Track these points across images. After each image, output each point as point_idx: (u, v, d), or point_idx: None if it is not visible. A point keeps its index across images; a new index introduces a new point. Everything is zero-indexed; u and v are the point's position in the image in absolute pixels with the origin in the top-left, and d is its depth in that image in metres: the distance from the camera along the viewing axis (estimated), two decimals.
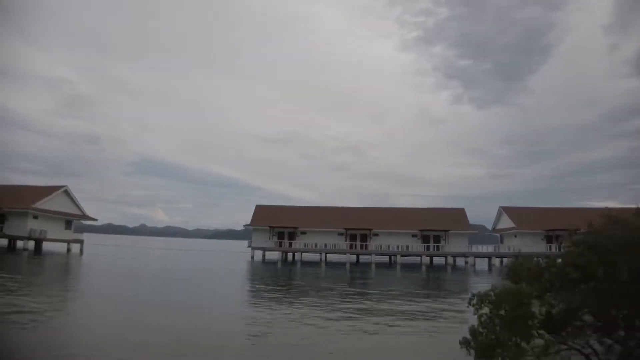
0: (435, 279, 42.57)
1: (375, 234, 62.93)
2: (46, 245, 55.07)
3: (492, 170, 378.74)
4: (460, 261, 58.72)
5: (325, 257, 59.29)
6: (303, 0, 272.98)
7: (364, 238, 62.92)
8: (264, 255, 60.97)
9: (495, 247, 60.97)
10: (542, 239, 58.82)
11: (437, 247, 59.13)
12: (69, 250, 56.21)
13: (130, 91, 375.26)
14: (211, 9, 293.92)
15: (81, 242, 59.56)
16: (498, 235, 66.32)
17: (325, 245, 60.13)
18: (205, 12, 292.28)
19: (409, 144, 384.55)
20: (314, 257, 60.27)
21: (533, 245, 56.00)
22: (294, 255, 61.94)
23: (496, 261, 55.72)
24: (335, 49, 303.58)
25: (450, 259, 57.69)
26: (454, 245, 58.98)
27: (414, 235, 61.57)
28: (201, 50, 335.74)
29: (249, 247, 63.63)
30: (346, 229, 61.33)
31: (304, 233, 64.37)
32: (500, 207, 64.34)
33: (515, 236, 60.03)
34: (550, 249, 55.07)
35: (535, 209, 65.10)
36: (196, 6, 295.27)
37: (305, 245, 61.74)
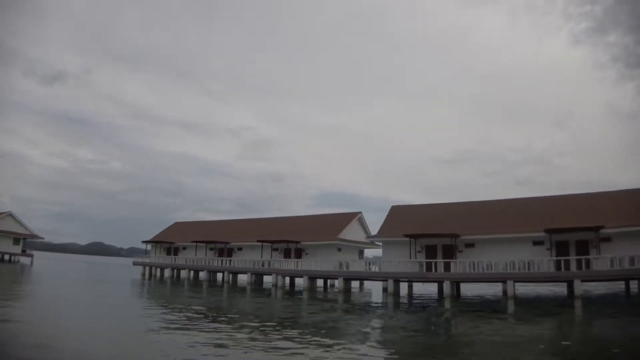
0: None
1: (239, 248, 48.39)
2: None
3: None
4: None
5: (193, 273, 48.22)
6: (461, 12, 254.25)
7: (230, 253, 49.02)
8: (144, 272, 50.19)
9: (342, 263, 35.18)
10: (420, 250, 34.09)
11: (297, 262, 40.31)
12: (17, 261, 64.45)
13: (308, 129, 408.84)
14: (369, 37, 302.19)
15: (32, 256, 66.89)
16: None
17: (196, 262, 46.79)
18: (364, 42, 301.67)
19: (601, 147, 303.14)
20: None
21: (405, 262, 32.79)
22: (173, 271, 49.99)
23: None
24: (501, 56, 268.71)
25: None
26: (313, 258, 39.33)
27: (275, 249, 44.44)
28: (367, 79, 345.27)
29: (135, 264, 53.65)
30: (201, 242, 47.36)
31: (184, 249, 54.63)
32: (392, 207, 40.64)
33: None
34: (427, 267, 30.73)
35: (433, 206, 38.81)
36: (354, 39, 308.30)
37: (186, 261, 51.92)
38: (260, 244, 42.88)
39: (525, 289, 35.22)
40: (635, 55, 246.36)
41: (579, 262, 27.18)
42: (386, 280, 30.74)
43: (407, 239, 32.45)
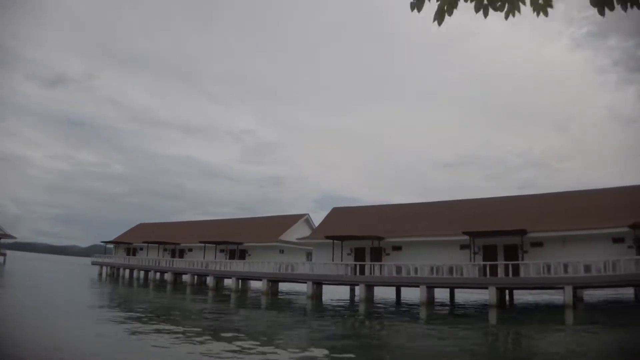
0: None
1: (190, 249, 47.43)
2: None
3: None
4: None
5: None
6: (462, 15, 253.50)
7: (182, 254, 48.12)
8: (100, 272, 50.08)
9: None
10: (349, 253, 32.62)
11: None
12: None
13: (309, 133, 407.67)
14: (369, 40, 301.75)
15: (4, 254, 67.24)
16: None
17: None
18: (364, 45, 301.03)
19: (602, 151, 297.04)
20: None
21: (328, 264, 31.17)
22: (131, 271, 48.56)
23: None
24: (502, 59, 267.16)
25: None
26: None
27: (221, 251, 43.31)
28: (368, 82, 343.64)
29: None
30: (153, 242, 46.45)
31: (141, 249, 53.90)
32: (333, 208, 39.19)
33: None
34: (351, 270, 28.90)
35: (373, 208, 37.27)
36: (354, 42, 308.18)
37: (138, 261, 50.90)
38: (206, 245, 41.99)
39: (467, 295, 33.46)
40: (636, 59, 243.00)
41: (506, 267, 25.59)
42: (306, 282, 29.42)
43: (337, 241, 31.17)
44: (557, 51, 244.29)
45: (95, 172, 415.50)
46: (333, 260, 29.99)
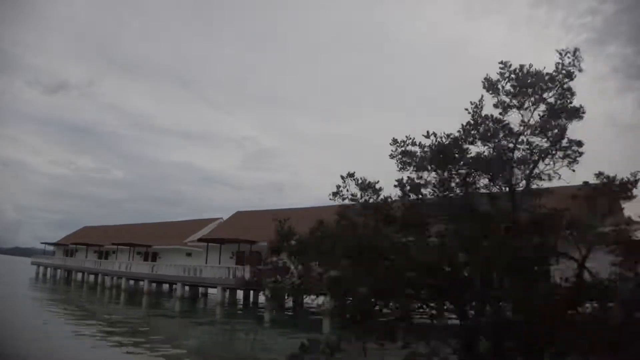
0: None
1: (114, 251, 47.80)
2: None
3: None
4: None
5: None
6: (463, 24, 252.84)
7: (107, 255, 48.63)
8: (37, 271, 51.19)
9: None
10: (231, 257, 32.73)
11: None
12: None
13: (309, 139, 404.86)
14: (369, 48, 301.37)
15: None
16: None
17: None
18: (364, 53, 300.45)
19: (604, 160, 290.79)
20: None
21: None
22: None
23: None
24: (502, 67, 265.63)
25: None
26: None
27: (138, 253, 43.66)
28: (369, 90, 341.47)
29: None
30: (80, 244, 48.21)
31: (76, 251, 54.53)
32: (236, 212, 39.15)
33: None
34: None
35: (275, 212, 37.42)
36: (355, 50, 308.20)
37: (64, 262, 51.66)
38: (118, 247, 42.65)
39: None
40: (636, 67, 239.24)
41: None
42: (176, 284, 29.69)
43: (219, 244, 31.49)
44: (555, 59, 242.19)
45: (95, 177, 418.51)
46: (206, 263, 30.23)
